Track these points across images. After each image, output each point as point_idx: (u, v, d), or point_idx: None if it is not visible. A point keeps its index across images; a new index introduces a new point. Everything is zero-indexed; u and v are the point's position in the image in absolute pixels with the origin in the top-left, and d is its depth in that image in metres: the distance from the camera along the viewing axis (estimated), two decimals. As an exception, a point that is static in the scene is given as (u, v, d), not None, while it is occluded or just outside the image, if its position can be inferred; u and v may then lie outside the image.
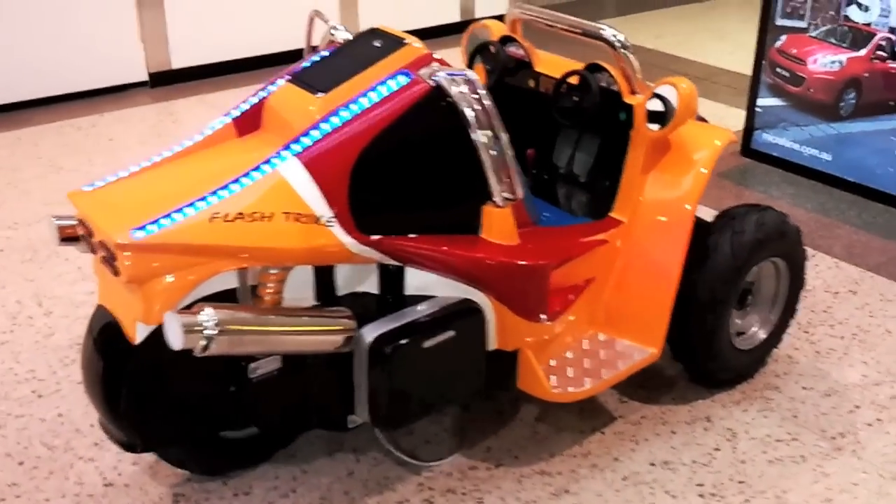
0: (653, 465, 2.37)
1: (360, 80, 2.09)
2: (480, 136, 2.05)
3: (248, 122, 2.18)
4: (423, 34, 6.14)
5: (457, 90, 2.05)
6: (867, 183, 3.85)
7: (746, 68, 4.29)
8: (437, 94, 2.06)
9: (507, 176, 2.09)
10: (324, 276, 2.08)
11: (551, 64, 2.66)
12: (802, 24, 3.91)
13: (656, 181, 2.44)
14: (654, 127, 2.35)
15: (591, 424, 2.50)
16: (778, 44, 4.01)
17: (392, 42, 2.18)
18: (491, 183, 2.09)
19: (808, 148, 4.02)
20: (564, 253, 2.29)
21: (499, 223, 2.15)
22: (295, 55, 5.56)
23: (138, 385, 1.96)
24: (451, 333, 2.08)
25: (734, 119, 4.48)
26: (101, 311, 2.03)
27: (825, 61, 3.87)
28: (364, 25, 5.90)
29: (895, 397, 2.65)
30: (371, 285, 2.14)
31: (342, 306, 2.08)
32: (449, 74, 2.06)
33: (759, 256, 2.51)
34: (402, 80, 2.07)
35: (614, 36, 2.40)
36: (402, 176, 2.06)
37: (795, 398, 2.64)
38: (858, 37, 3.74)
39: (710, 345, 2.51)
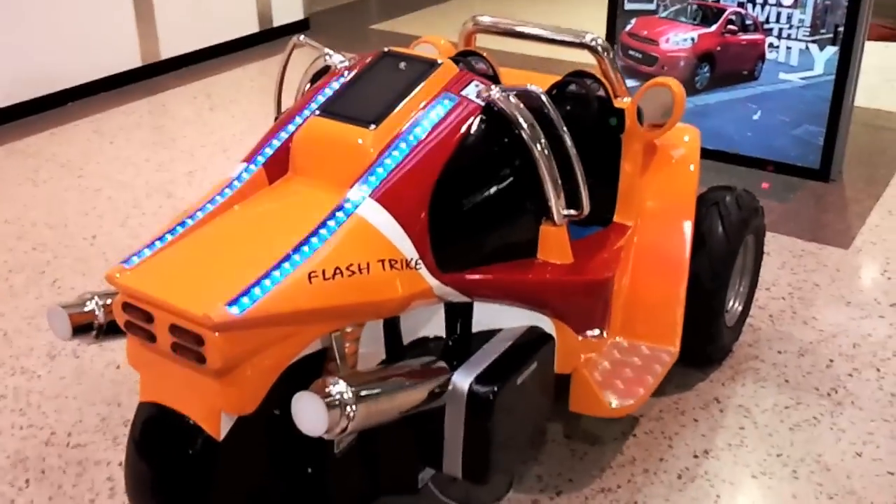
0: (696, 456, 2.38)
1: (406, 107, 1.89)
2: (539, 151, 1.93)
3: (276, 167, 1.91)
4: (223, 48, 5.91)
5: (509, 105, 1.92)
6: (729, 149, 4.10)
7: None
8: (491, 113, 1.93)
9: (574, 188, 1.99)
10: (392, 326, 1.87)
11: (518, 78, 2.57)
12: (651, 7, 4.08)
13: (652, 182, 2.44)
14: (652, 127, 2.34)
15: (619, 430, 2.46)
16: (628, 27, 4.16)
17: (419, 64, 1.99)
18: (550, 200, 1.98)
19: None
20: (613, 264, 2.23)
21: (557, 242, 2.04)
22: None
23: (224, 485, 1.66)
24: (533, 365, 1.95)
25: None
26: (149, 408, 1.70)
27: (677, 39, 4.06)
28: (164, 41, 5.77)
29: (856, 345, 2.84)
30: (435, 328, 1.95)
31: (411, 354, 1.89)
32: (502, 91, 1.93)
33: (742, 234, 2.58)
34: (448, 102, 1.91)
35: (595, 41, 2.35)
36: (473, 203, 1.92)
37: (777, 363, 2.75)
38: (708, 13, 3.96)
39: (711, 328, 2.56)
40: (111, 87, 5.11)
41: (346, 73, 2.07)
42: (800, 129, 3.94)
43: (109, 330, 1.83)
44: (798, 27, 3.78)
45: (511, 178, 1.96)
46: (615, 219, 2.42)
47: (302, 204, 1.79)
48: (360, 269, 1.66)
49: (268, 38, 6.00)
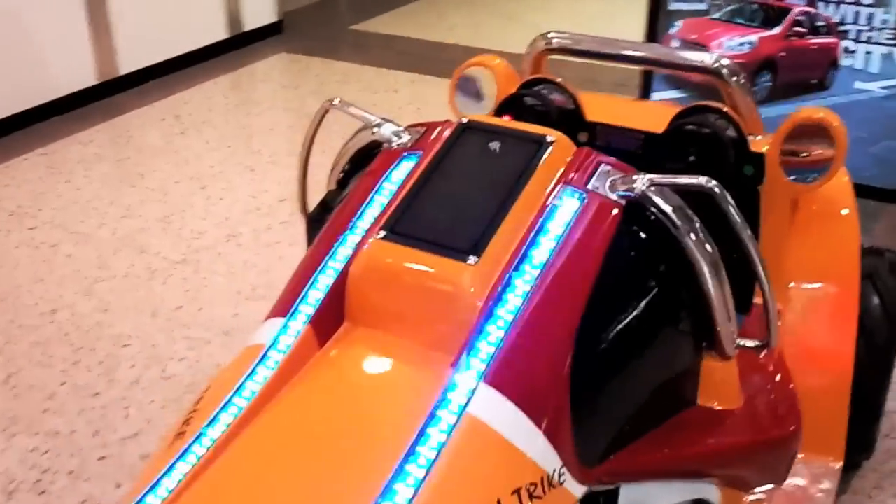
0: None
1: (515, 218, 1.29)
2: (707, 269, 1.35)
3: (327, 317, 1.30)
4: (190, 59, 5.21)
5: (668, 204, 1.33)
6: (793, 169, 3.54)
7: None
8: (636, 214, 1.34)
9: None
10: None
11: (603, 108, 1.98)
12: (702, 6, 3.50)
13: (799, 249, 1.87)
14: (810, 177, 1.77)
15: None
16: (673, 30, 3.58)
17: (519, 142, 1.39)
18: (720, 325, 1.39)
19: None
20: (794, 405, 1.64)
21: (724, 382, 1.46)
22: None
23: None
24: None
25: (614, 88, 4.03)
26: None
27: (732, 44, 3.49)
28: (123, 54, 4.97)
29: None
30: None
31: None
32: (651, 183, 1.33)
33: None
34: (575, 203, 1.31)
35: (720, 64, 1.77)
36: (626, 356, 1.32)
37: (927, 465, 2.21)
38: (771, 14, 3.39)
39: (868, 433, 2.01)
40: (64, 111, 4.40)
41: (408, 156, 1.46)
42: (879, 146, 3.39)
43: None
44: (881, 29, 3.23)
45: (669, 308, 1.38)
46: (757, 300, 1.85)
47: (375, 397, 1.19)
48: None
49: (239, 44, 5.32)
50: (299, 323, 1.27)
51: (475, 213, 1.31)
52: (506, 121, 1.50)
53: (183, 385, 2.54)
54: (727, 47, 3.49)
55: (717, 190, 1.34)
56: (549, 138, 1.40)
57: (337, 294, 1.29)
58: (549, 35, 1.98)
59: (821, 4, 3.28)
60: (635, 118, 1.99)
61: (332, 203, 1.68)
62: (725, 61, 1.81)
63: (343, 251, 1.34)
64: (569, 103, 1.97)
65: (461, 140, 1.44)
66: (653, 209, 1.34)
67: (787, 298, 1.87)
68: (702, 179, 1.34)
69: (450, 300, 1.22)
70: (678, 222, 1.33)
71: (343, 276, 1.31)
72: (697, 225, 1.35)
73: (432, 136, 1.48)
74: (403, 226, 1.31)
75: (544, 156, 1.36)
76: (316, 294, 1.30)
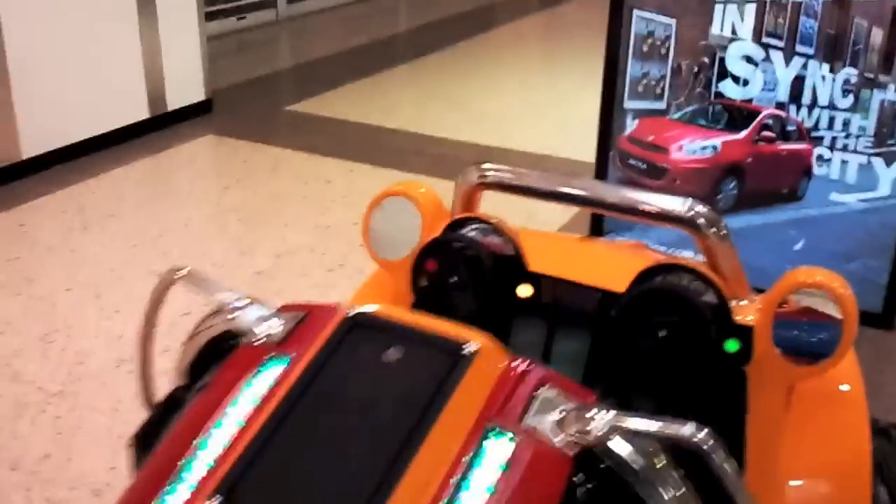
0: None
1: (415, 478, 0.87)
2: None
3: None
4: (104, 141, 4.76)
5: (633, 457, 0.92)
6: (762, 285, 3.18)
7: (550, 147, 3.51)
8: (593, 465, 0.93)
9: None
10: None
11: (550, 253, 1.60)
12: (660, 106, 3.17)
13: (797, 444, 1.47)
14: (812, 356, 1.38)
15: None
16: (629, 130, 3.24)
17: (427, 349, 0.98)
18: None
19: (681, 250, 3.29)
20: None
21: None
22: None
23: None
24: None
25: (559, 216, 3.67)
26: None
27: (694, 147, 3.15)
28: (26, 137, 4.42)
29: None
30: None
31: None
32: (614, 427, 0.93)
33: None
34: (505, 451, 0.90)
35: (694, 211, 1.40)
36: None
37: None
38: (736, 116, 3.06)
39: None
40: (-48, 202, 3.94)
41: (273, 360, 1.04)
42: (856, 263, 3.05)
43: None
44: (858, 136, 2.91)
45: None
46: None
47: None
48: None
49: (160, 124, 4.90)
50: None
51: (360, 467, 0.89)
52: (410, 315, 1.09)
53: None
54: (688, 150, 3.16)
55: (706, 447, 0.93)
56: (469, 347, 0.99)
57: None
58: (484, 167, 1.59)
59: (792, 107, 2.96)
60: (590, 268, 1.60)
61: (183, 399, 1.25)
62: (701, 208, 1.43)
63: None
64: (507, 248, 1.58)
65: (348, 342, 1.02)
66: (614, 463, 0.94)
67: (785, 501, 1.47)
68: (687, 430, 0.93)
69: None
70: (652, 491, 0.92)
71: None
72: (679, 492, 0.94)
73: (311, 331, 1.07)
74: (249, 490, 0.89)
75: (462, 375, 0.95)
76: None
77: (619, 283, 1.48)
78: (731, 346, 1.42)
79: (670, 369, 1.44)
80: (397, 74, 6.24)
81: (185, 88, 5.10)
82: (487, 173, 1.57)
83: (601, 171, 3.33)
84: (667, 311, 1.41)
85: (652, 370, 1.45)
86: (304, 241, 3.64)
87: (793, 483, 1.48)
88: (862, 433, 1.53)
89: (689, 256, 1.57)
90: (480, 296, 1.53)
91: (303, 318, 1.11)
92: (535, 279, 1.55)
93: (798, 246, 3.12)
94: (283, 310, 1.16)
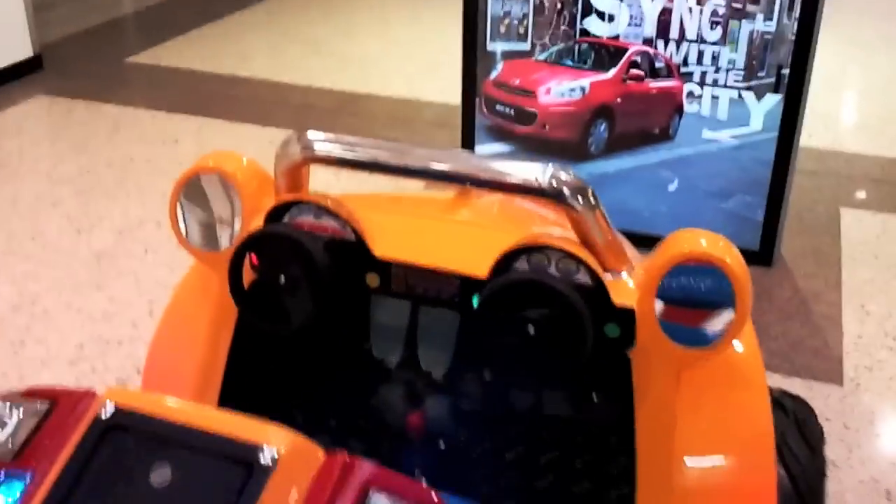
0: None
1: None
2: None
3: None
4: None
5: None
6: (638, 229, 3.06)
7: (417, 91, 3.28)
8: None
9: None
10: None
11: (399, 229, 1.39)
12: (524, 47, 2.96)
13: (694, 419, 1.33)
14: (704, 338, 1.23)
15: None
16: (493, 75, 3.03)
17: (210, 462, 0.75)
18: None
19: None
20: None
21: None
22: None
23: None
24: None
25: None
26: None
27: (562, 89, 2.98)
28: None
29: None
30: None
31: None
32: None
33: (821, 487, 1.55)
34: None
35: (557, 180, 1.22)
36: None
37: None
38: (604, 55, 2.89)
39: None
40: None
41: (2, 481, 0.80)
42: (732, 202, 2.97)
43: None
44: (728, 70, 2.79)
45: None
46: None
47: None
48: None
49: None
50: None
51: None
52: (187, 407, 0.82)
53: None
54: (556, 93, 2.98)
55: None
56: (265, 455, 0.76)
57: None
58: (309, 137, 1.34)
59: (660, 43, 2.81)
60: (446, 248, 1.40)
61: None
62: (564, 176, 1.23)
63: None
64: (347, 232, 1.36)
65: (102, 455, 0.77)
66: None
67: (685, 480, 1.33)
68: None
69: None
70: None
71: None
72: None
73: (56, 437, 0.81)
74: None
75: (258, 493, 0.72)
76: None
77: (478, 265, 1.29)
78: (611, 330, 1.26)
79: (544, 363, 1.27)
80: (251, 17, 5.84)
81: (9, 44, 4.60)
82: (313, 146, 1.33)
83: (468, 120, 3.12)
84: (534, 304, 1.23)
85: (525, 364, 1.27)
86: (150, 214, 3.31)
87: (691, 463, 1.34)
88: (762, 406, 1.40)
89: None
90: (318, 297, 1.31)
91: (46, 413, 0.85)
92: (384, 268, 1.35)
93: (672, 187, 3.01)
94: (26, 398, 0.89)
